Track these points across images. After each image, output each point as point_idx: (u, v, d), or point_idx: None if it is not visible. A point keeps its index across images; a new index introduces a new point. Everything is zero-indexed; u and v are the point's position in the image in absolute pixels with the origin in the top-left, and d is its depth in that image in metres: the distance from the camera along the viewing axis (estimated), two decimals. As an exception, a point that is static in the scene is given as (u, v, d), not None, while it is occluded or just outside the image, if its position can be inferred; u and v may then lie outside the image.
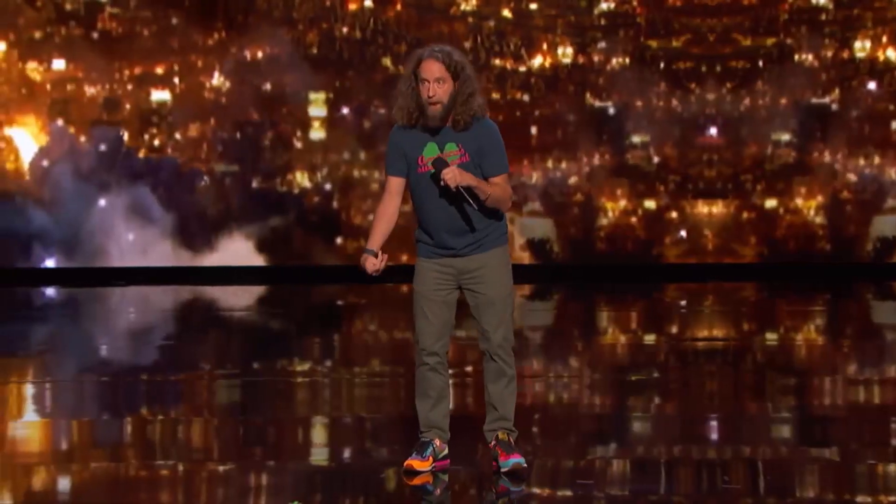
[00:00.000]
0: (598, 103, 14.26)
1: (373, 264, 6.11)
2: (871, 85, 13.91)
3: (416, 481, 6.05)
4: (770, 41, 14.03)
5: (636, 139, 14.26)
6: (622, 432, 7.27)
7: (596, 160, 14.27)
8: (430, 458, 6.14)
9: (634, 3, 14.19)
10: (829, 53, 13.93)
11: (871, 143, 13.96)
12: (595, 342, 10.75)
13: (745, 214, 14.23)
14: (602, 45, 14.19)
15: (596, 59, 14.21)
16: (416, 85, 5.94)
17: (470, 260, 6.10)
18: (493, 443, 6.16)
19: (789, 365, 9.41)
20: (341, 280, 14.32)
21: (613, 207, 14.30)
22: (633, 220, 14.29)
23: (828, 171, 13.99)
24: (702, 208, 14.27)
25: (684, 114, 14.16)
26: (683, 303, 12.85)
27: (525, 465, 6.11)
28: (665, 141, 14.22)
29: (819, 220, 14.10)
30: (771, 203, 14.18)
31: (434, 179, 5.97)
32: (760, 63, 14.08)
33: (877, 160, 13.96)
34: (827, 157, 13.99)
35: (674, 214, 14.28)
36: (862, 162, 13.95)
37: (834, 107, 13.97)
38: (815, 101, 14.02)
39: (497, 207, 6.03)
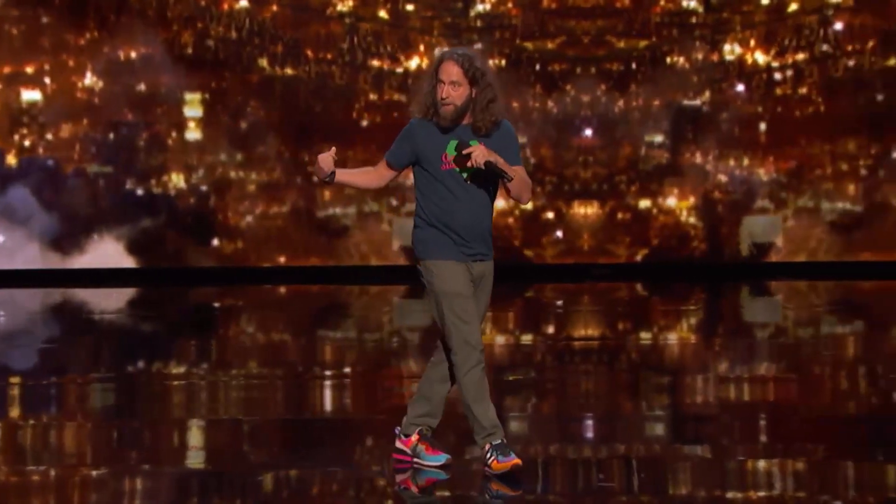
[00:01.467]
0: (473, 104, 14.31)
1: (324, 156, 6.19)
2: (740, 87, 14.17)
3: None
4: (643, 44, 14.22)
5: (513, 140, 14.35)
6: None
7: (473, 161, 14.32)
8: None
9: (510, 5, 14.29)
10: (700, 56, 14.16)
11: (740, 144, 14.22)
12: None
13: (619, 215, 14.40)
14: (478, 46, 14.25)
15: (472, 60, 14.27)
16: (435, 84, 6.02)
17: (480, 265, 6.18)
18: (416, 436, 6.24)
19: (663, 364, 9.55)
20: (217, 282, 14.19)
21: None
22: (511, 220, 14.37)
23: (699, 172, 14.21)
24: (577, 209, 14.41)
25: (560, 115, 14.28)
26: (560, 303, 12.96)
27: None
28: (541, 142, 14.33)
29: (692, 220, 14.32)
30: (645, 203, 14.37)
31: (460, 164, 6.00)
32: (634, 65, 14.26)
33: (746, 161, 14.22)
34: (698, 158, 14.21)
35: (550, 215, 14.40)
36: (732, 163, 14.20)
37: (705, 109, 14.20)
38: (686, 102, 14.24)
39: (523, 191, 6.07)
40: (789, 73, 14.02)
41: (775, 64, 14.05)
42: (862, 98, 13.97)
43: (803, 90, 14.07)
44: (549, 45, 14.26)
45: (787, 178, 14.15)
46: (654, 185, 14.33)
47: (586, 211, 14.39)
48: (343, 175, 6.28)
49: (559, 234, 14.41)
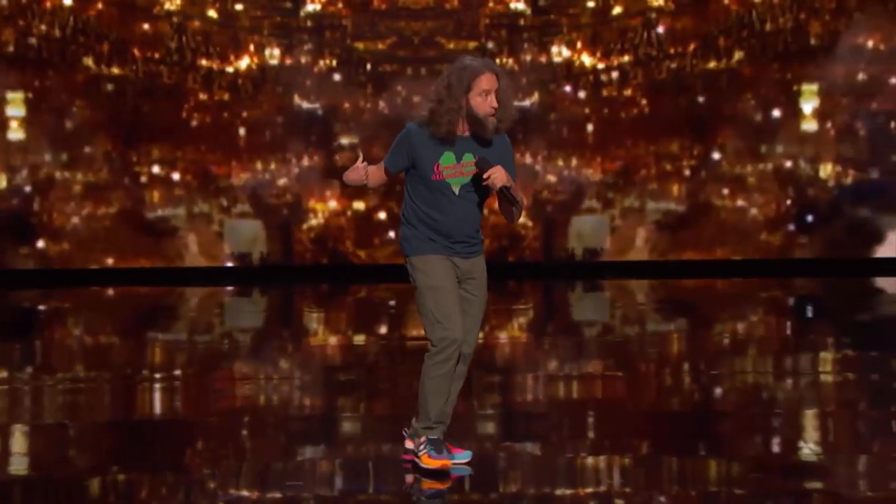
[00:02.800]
0: (305, 105, 14.27)
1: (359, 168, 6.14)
2: (568, 88, 14.37)
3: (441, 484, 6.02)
4: (472, 45, 14.33)
5: (344, 141, 14.33)
6: (331, 433, 7.30)
7: (305, 162, 14.28)
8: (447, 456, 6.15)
9: (340, 6, 14.27)
10: (529, 58, 14.32)
11: (569, 145, 14.42)
12: (304, 343, 10.75)
13: (451, 215, 14.47)
14: (309, 46, 14.21)
15: (303, 60, 14.22)
16: (465, 97, 6.01)
17: (468, 262, 6.23)
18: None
19: (494, 363, 9.64)
20: (41, 285, 13.89)
21: (323, 209, 14.34)
22: (343, 221, 14.36)
23: (529, 173, 14.37)
24: (409, 209, 14.46)
25: (391, 116, 14.31)
26: (393, 303, 12.99)
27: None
28: (373, 143, 14.34)
29: (522, 219, 14.47)
30: (476, 204, 14.46)
31: (474, 180, 6.08)
32: (464, 66, 14.34)
33: (574, 162, 14.43)
34: (528, 158, 14.38)
35: (382, 216, 14.42)
36: (561, 163, 14.40)
37: (534, 110, 14.37)
38: (515, 104, 14.35)
39: (519, 213, 6.26)
40: (615, 74, 14.26)
41: (601, 66, 14.29)
42: (684, 100, 14.28)
43: (628, 92, 14.33)
44: (380, 46, 14.29)
45: (614, 179, 14.39)
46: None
47: (418, 211, 14.44)
48: (364, 172, 6.22)
49: (392, 234, 14.44)
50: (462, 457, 6.35)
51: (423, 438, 6.23)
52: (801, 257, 14.27)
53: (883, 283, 13.71)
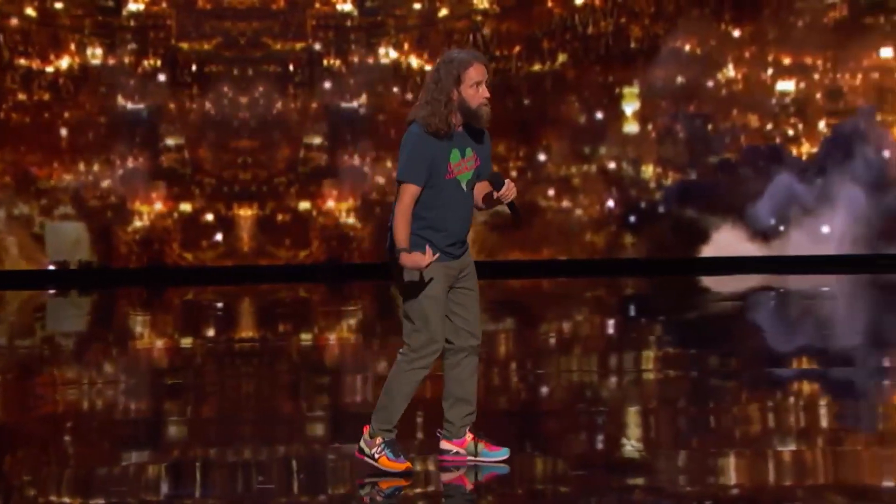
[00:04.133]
0: (130, 105, 14.06)
1: (426, 257, 5.98)
2: (395, 89, 14.42)
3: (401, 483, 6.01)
4: (299, 46, 14.29)
5: (170, 142, 14.16)
6: (157, 437, 7.21)
7: (130, 163, 14.07)
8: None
9: (164, 5, 14.09)
10: (356, 59, 14.34)
11: (397, 146, 14.44)
12: (129, 347, 10.59)
13: (279, 217, 14.42)
14: (132, 46, 14.00)
15: (126, 60, 14.01)
16: (457, 91, 5.96)
17: (460, 260, 6.21)
18: (471, 437, 6.32)
19: (323, 364, 9.63)
20: None
21: (149, 211, 14.14)
22: (170, 222, 14.18)
23: (358, 174, 14.38)
24: (237, 211, 14.35)
25: (217, 117, 14.19)
26: (220, 305, 12.88)
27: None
28: (199, 144, 14.20)
29: (351, 221, 14.48)
30: (304, 205, 14.44)
31: (486, 195, 6.14)
32: (291, 67, 14.31)
33: (403, 163, 14.47)
34: (357, 160, 14.39)
35: (209, 217, 14.28)
36: (389, 165, 14.44)
37: (362, 111, 14.39)
38: (344, 105, 14.39)
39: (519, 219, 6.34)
40: (442, 77, 14.35)
41: (429, 68, 14.36)
42: (510, 102, 14.45)
43: (455, 94, 14.46)
44: (206, 46, 14.15)
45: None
46: (314, 187, 14.42)
47: (246, 213, 14.35)
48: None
49: (219, 236, 14.31)
50: (500, 454, 6.35)
51: (378, 440, 6.19)
52: (626, 257, 14.56)
53: (710, 281, 14.05)
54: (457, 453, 6.38)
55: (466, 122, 6.11)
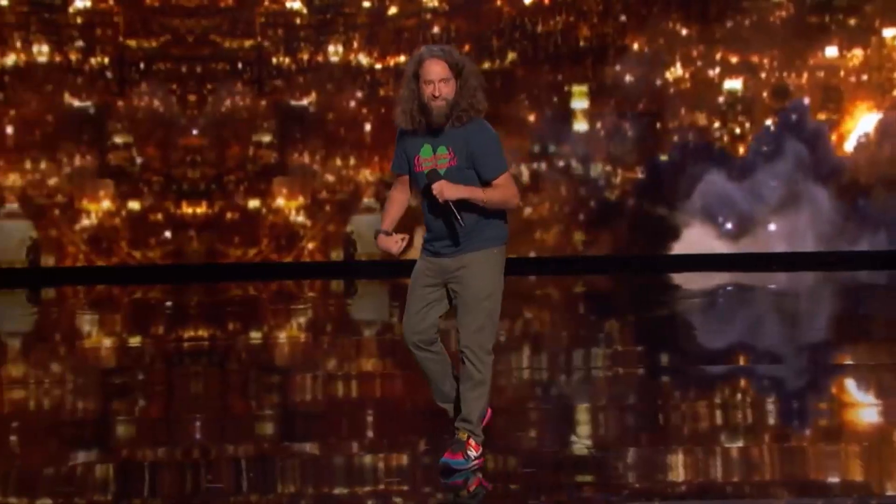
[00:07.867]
0: (77, 103, 13.97)
1: (395, 242, 6.02)
2: (345, 88, 14.41)
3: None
4: (248, 43, 14.25)
5: (118, 140, 14.08)
6: (105, 437, 7.18)
7: (77, 161, 13.98)
8: None
9: (111, 3, 14.01)
10: (306, 57, 14.31)
11: (346, 144, 14.46)
12: (77, 346, 10.53)
13: (228, 215, 14.37)
14: (80, 43, 13.91)
15: (74, 57, 13.92)
16: (416, 87, 5.94)
17: (454, 260, 6.12)
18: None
19: (272, 363, 9.61)
20: None
21: (97, 209, 14.06)
22: (118, 221, 14.11)
23: (307, 172, 14.37)
24: (186, 209, 14.29)
25: (166, 114, 14.12)
26: (169, 304, 12.83)
27: (461, 468, 6.13)
28: (147, 142, 14.14)
29: (301, 219, 14.46)
30: (254, 203, 14.41)
31: (426, 190, 6.05)
32: (240, 65, 14.27)
33: (353, 161, 14.48)
34: (306, 158, 14.37)
35: (159, 216, 14.22)
36: (339, 163, 14.43)
37: (311, 109, 14.37)
38: (294, 103, 14.36)
39: (502, 209, 6.13)
40: (391, 75, 14.36)
41: (378, 66, 14.37)
42: (460, 100, 14.47)
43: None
44: (154, 44, 14.08)
45: (392, 178, 14.50)
46: (263, 185, 14.39)
47: (195, 211, 14.29)
48: (390, 221, 6.23)
49: (168, 234, 14.25)
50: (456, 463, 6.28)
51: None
52: (575, 255, 14.61)
53: (680, 279, 14.13)
54: (479, 456, 6.40)
55: (426, 119, 6.11)
